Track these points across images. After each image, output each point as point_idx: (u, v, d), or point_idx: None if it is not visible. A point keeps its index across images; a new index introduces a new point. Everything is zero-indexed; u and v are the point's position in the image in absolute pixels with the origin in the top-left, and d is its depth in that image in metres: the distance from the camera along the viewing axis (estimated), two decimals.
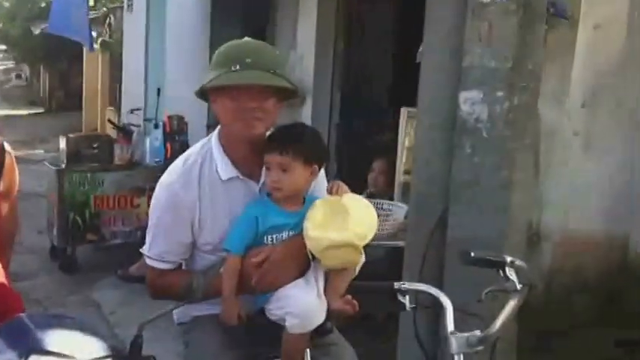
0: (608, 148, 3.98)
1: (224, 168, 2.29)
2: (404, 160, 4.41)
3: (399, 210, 4.16)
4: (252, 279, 2.21)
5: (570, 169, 3.96)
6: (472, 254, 2.05)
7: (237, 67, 2.18)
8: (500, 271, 2.02)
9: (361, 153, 5.85)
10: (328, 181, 2.44)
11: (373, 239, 4.01)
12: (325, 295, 2.27)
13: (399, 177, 4.48)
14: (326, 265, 2.25)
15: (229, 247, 2.24)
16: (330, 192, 2.31)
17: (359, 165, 5.51)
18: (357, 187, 5.39)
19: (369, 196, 4.78)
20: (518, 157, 2.98)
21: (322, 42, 5.89)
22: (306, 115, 6.00)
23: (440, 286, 3.08)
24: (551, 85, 3.80)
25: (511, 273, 2.00)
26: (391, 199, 4.56)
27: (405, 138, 4.38)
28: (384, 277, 2.39)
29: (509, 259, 2.03)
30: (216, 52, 2.30)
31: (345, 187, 2.33)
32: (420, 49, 3.27)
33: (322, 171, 2.41)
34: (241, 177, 2.30)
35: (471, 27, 2.88)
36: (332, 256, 2.20)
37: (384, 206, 4.35)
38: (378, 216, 4.13)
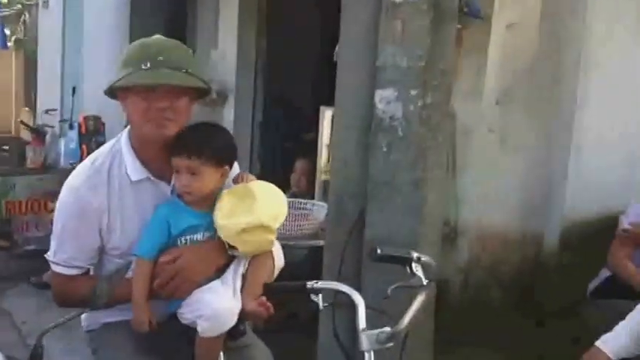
0: (522, 144, 4.09)
1: (134, 169, 2.23)
2: (324, 159, 4.42)
3: (319, 209, 4.16)
4: (164, 283, 2.16)
5: (486, 166, 4.05)
6: (378, 251, 2.07)
7: (148, 65, 2.13)
8: (407, 268, 2.03)
9: (285, 153, 5.84)
10: None
11: (294, 239, 4.03)
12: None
13: (320, 176, 4.48)
14: (244, 252, 2.23)
15: (139, 252, 2.18)
16: (236, 182, 2.29)
17: (282, 165, 5.50)
18: (280, 188, 5.38)
19: (292, 197, 4.78)
20: (432, 154, 3.02)
21: (244, 40, 5.84)
22: (228, 115, 5.94)
23: (358, 285, 3.11)
24: (467, 83, 3.88)
25: (417, 269, 2.01)
26: (313, 198, 4.56)
27: (325, 137, 4.38)
28: (307, 277, 2.38)
29: (415, 255, 2.04)
30: (126, 49, 2.24)
31: (251, 176, 2.31)
32: (337, 48, 3.28)
33: (236, 167, 2.39)
34: (152, 178, 2.25)
35: (384, 26, 2.90)
36: (246, 241, 2.18)
37: (306, 206, 4.35)
38: (300, 216, 4.17)
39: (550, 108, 4.09)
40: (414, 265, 2.02)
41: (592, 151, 4.12)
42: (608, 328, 2.96)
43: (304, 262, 4.24)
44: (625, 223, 3.73)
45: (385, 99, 2.93)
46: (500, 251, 4.18)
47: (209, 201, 2.24)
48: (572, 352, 3.52)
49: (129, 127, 2.28)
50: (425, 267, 2.03)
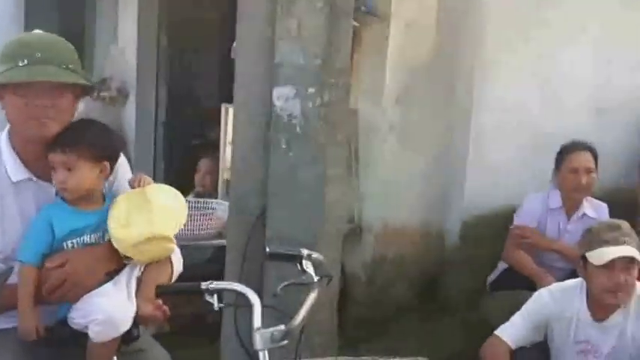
0: (423, 141, 4.15)
1: (14, 169, 2.15)
2: (227, 157, 4.38)
3: (224, 208, 4.12)
4: (53, 288, 2.08)
5: (388, 163, 4.10)
6: (267, 249, 2.06)
7: (25, 62, 2.05)
8: (298, 265, 2.03)
9: (189, 152, 5.75)
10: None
11: (199, 239, 3.97)
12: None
13: (223, 175, 4.44)
14: (140, 261, 2.17)
15: (23, 258, 2.09)
16: (132, 185, 2.23)
17: (187, 164, 5.41)
18: (186, 187, 5.30)
19: (197, 196, 4.72)
20: (331, 152, 3.04)
21: (144, 36, 5.72)
22: (130, 114, 5.82)
23: (261, 284, 3.10)
24: (367, 81, 3.92)
25: (308, 266, 2.01)
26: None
27: (228, 135, 4.34)
28: (214, 277, 2.35)
29: (305, 252, 2.04)
30: (4, 46, 2.14)
31: (148, 179, 2.25)
32: (234, 44, 3.25)
33: (126, 166, 2.33)
34: (34, 179, 2.17)
35: (280, 24, 2.89)
36: (143, 252, 2.14)
37: (211, 205, 4.30)
38: (204, 215, 4.11)
39: (449, 105, 4.17)
40: (304, 262, 2.02)
41: (490, 146, 4.22)
42: (507, 318, 3.06)
43: (210, 262, 4.19)
44: (516, 220, 3.85)
45: (283, 96, 2.92)
46: (404, 246, 4.24)
47: (95, 199, 2.17)
48: (474, 342, 3.62)
49: (8, 126, 2.18)
50: (316, 264, 2.03)
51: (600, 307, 2.94)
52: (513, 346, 2.97)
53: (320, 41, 2.85)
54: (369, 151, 4.05)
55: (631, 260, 2.83)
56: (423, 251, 4.30)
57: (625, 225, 2.97)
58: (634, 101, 4.61)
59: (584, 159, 3.79)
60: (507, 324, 3.03)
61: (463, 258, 4.25)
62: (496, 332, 3.02)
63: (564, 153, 3.84)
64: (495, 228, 4.06)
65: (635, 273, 2.87)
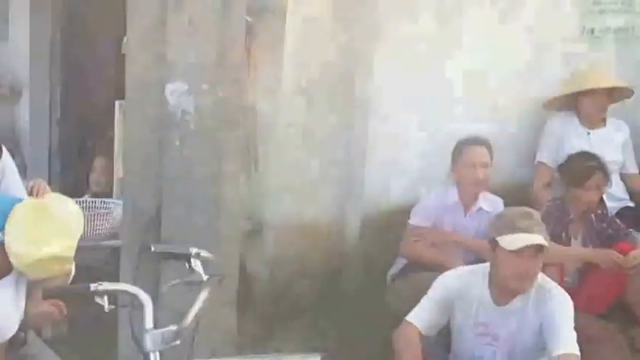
0: (323, 137, 4.15)
1: None
2: (121, 155, 4.27)
3: (118, 208, 4.02)
4: None
5: (288, 159, 4.08)
6: (152, 248, 2.02)
7: None
8: (186, 264, 2.00)
9: (85, 150, 5.58)
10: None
11: (95, 239, 3.86)
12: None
13: (117, 173, 4.33)
14: (33, 278, 2.09)
15: None
16: (30, 193, 2.14)
17: (83, 163, 5.26)
18: (81, 187, 5.13)
19: (94, 196, 4.59)
20: (228, 148, 3.01)
21: (37, 32, 5.51)
22: (23, 112, 5.60)
23: (157, 284, 3.03)
24: (266, 77, 3.88)
25: (197, 264, 1.98)
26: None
27: (122, 133, 4.23)
28: (111, 278, 2.28)
29: (193, 250, 2.01)
30: None
31: (46, 187, 2.18)
32: (125, 40, 3.17)
33: (12, 166, 2.24)
34: None
35: (172, 19, 2.84)
36: (38, 270, 2.05)
37: (108, 205, 4.20)
38: (100, 216, 4.00)
39: (348, 101, 4.19)
40: (193, 261, 1.98)
41: (390, 140, 4.26)
42: (410, 306, 3.11)
43: (107, 263, 4.08)
44: (412, 218, 3.92)
45: (176, 93, 2.88)
46: (305, 243, 4.23)
47: None
48: (376, 335, 3.65)
49: None
50: (205, 262, 2.00)
51: (503, 292, 3.02)
52: (423, 330, 3.04)
53: (213, 37, 2.82)
54: (269, 147, 4.02)
55: (539, 249, 2.94)
56: (325, 248, 4.30)
57: (536, 214, 3.10)
58: (528, 98, 4.75)
59: (481, 153, 3.89)
60: (416, 308, 3.08)
61: (364, 253, 4.28)
62: (406, 318, 3.06)
63: (461, 148, 3.92)
64: (395, 223, 4.11)
65: (541, 262, 2.99)
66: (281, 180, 4.08)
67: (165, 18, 2.88)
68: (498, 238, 2.96)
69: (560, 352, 2.84)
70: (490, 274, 3.05)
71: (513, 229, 2.93)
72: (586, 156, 4.01)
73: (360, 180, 4.21)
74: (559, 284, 3.62)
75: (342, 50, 4.05)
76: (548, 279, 3.11)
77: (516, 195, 4.46)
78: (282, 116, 3.97)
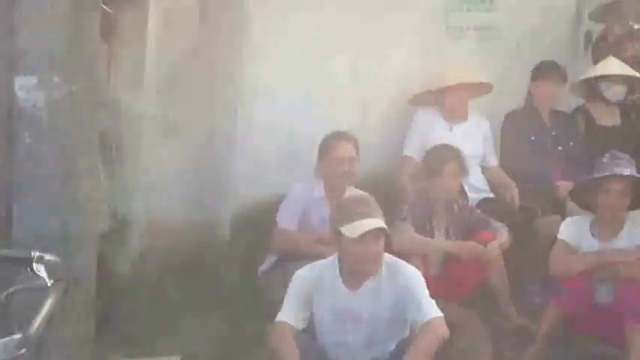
0: (188, 132, 4.08)
1: None
2: None
3: None
4: None
5: (153, 154, 3.98)
6: None
7: None
8: (28, 269, 1.87)
9: None
10: None
11: None
12: None
13: None
14: None
15: None
16: None
17: None
18: None
19: None
20: (84, 145, 2.87)
21: None
22: None
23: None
24: (127, 70, 3.76)
25: (40, 269, 1.85)
26: None
27: None
28: None
29: (36, 254, 1.88)
30: None
31: None
32: None
33: None
34: None
35: (21, 9, 2.67)
36: None
37: None
38: None
39: (215, 93, 4.13)
40: (35, 265, 1.85)
41: (258, 135, 4.24)
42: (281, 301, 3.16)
43: None
44: (278, 216, 3.90)
45: (26, 87, 2.71)
46: (173, 240, 4.14)
47: None
48: (246, 334, 3.62)
49: None
50: (49, 267, 1.88)
51: (354, 277, 3.15)
52: (295, 325, 3.10)
53: (65, 28, 2.67)
54: (133, 142, 3.90)
55: (380, 231, 3.06)
56: (194, 244, 4.23)
57: (372, 199, 3.23)
58: (395, 94, 4.84)
59: (347, 148, 3.93)
60: (283, 307, 3.15)
61: (235, 249, 4.24)
62: (276, 319, 3.11)
63: (327, 143, 3.95)
64: (266, 217, 4.08)
65: (383, 242, 3.11)
66: (146, 175, 3.97)
67: (11, 5, 2.70)
68: (341, 228, 3.06)
69: (425, 319, 3.00)
70: (340, 262, 3.14)
71: (353, 217, 3.04)
72: (443, 147, 4.14)
73: (230, 174, 4.17)
74: (424, 274, 3.77)
75: (208, 41, 3.97)
76: (395, 257, 3.23)
77: (383, 188, 4.55)
78: (145, 110, 3.86)
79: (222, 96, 4.11)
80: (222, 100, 4.11)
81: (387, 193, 4.40)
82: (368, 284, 3.14)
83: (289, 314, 3.11)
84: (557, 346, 3.77)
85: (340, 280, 3.16)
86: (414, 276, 3.15)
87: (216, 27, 3.96)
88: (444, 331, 2.99)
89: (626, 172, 3.69)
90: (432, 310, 3.03)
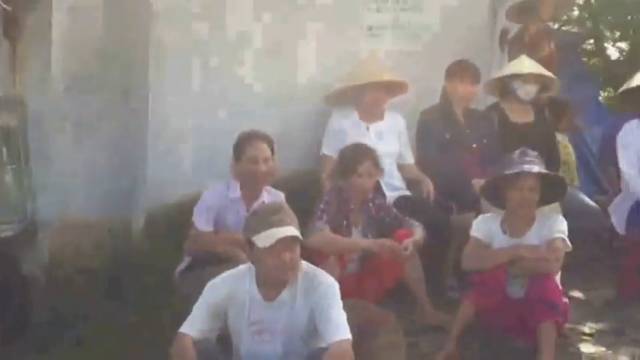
0: (99, 132, 3.99)
1: None
2: None
3: None
4: None
5: (63, 154, 3.89)
6: None
7: None
8: None
9: None
10: None
11: None
12: None
13: None
14: None
15: None
16: None
17: None
18: None
19: None
20: None
21: None
22: None
23: None
24: (33, 70, 3.65)
25: None
26: None
27: None
28: None
29: None
30: None
31: None
32: None
33: None
34: None
35: None
36: None
37: None
38: None
39: (126, 92, 4.04)
40: None
41: (171, 135, 4.16)
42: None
43: None
44: (194, 216, 3.85)
45: None
46: (86, 242, 4.05)
47: None
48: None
49: None
50: None
51: (269, 287, 3.06)
52: (198, 336, 2.99)
53: None
54: (41, 142, 3.79)
55: (294, 239, 2.99)
56: (107, 246, 4.14)
57: (285, 206, 3.16)
58: (315, 92, 4.84)
59: (262, 148, 3.88)
60: (190, 317, 3.05)
61: (150, 250, 4.17)
62: (179, 330, 3.01)
63: (242, 143, 3.89)
64: (181, 217, 4.01)
65: (298, 250, 3.03)
66: (56, 175, 3.87)
67: None
68: (253, 238, 2.99)
69: (334, 339, 2.91)
70: (255, 272, 3.08)
71: (265, 225, 2.98)
72: (357, 146, 4.16)
73: (143, 174, 4.09)
74: (339, 273, 3.77)
75: (116, 39, 3.88)
76: (313, 266, 3.17)
77: (303, 188, 4.55)
78: (53, 110, 3.75)
79: (135, 94, 4.02)
80: (133, 99, 4.03)
81: (306, 193, 4.41)
82: (284, 295, 3.06)
83: (194, 326, 3.01)
84: (472, 340, 3.84)
85: (256, 290, 3.07)
86: (329, 289, 3.05)
87: (122, 25, 3.87)
88: (349, 355, 2.90)
89: (535, 169, 3.76)
90: (341, 330, 2.94)
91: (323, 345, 2.94)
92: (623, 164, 4.58)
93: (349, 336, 2.94)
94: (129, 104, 4.03)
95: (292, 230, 2.98)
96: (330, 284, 3.08)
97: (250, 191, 3.90)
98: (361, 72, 4.69)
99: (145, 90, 4.03)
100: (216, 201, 3.86)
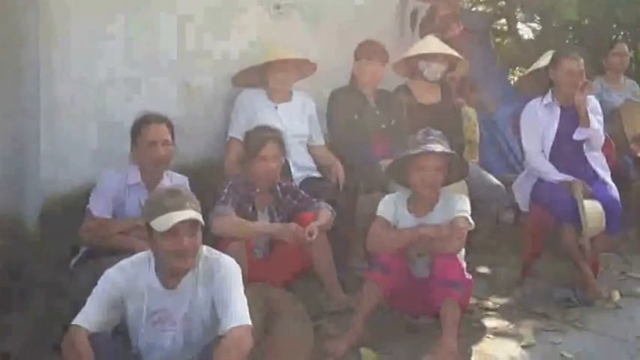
0: None
1: None
2: None
3: None
4: None
5: None
6: None
7: None
8: None
9: None
10: None
11: None
12: None
13: None
14: None
15: None
16: None
17: None
18: None
19: None
20: None
21: None
22: None
23: None
24: None
25: None
26: None
27: None
28: None
29: None
30: None
31: None
32: None
33: None
34: None
35: None
36: None
37: None
38: None
39: (15, 77, 3.84)
40: None
41: (64, 122, 3.95)
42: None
43: None
44: (90, 202, 3.71)
45: None
46: None
47: None
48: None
49: None
50: None
51: (169, 275, 2.97)
52: (93, 329, 2.87)
53: None
54: None
55: (194, 224, 2.89)
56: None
57: (185, 190, 3.05)
58: (220, 78, 4.74)
59: (161, 131, 3.76)
60: (84, 309, 2.92)
61: (45, 242, 3.96)
62: (73, 321, 2.89)
63: (139, 126, 3.76)
64: (77, 207, 3.82)
65: (200, 235, 2.94)
66: None
67: None
68: (151, 223, 2.89)
69: (232, 324, 2.84)
70: (155, 259, 2.98)
71: (163, 209, 2.88)
72: (263, 128, 4.09)
73: (36, 163, 3.89)
74: (246, 258, 3.71)
75: (4, 20, 3.68)
76: (215, 251, 3.09)
77: (210, 171, 4.46)
78: None
79: (25, 79, 3.83)
80: (24, 83, 3.84)
81: (213, 177, 4.32)
82: (185, 282, 2.96)
83: (88, 318, 2.87)
84: (379, 321, 3.85)
85: (156, 279, 2.96)
86: (228, 274, 2.97)
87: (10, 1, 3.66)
88: (247, 342, 2.83)
89: (439, 148, 3.77)
90: (240, 316, 2.87)
91: (221, 333, 2.89)
92: (526, 142, 4.66)
93: (248, 322, 2.88)
94: (19, 90, 3.82)
95: (192, 214, 2.89)
96: (229, 269, 3.01)
97: (151, 176, 3.78)
98: (269, 51, 4.62)
99: (34, 75, 3.82)
100: (115, 186, 3.72)
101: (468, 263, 3.89)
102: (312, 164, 4.67)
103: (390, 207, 3.89)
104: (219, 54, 4.70)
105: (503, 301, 4.32)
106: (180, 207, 2.88)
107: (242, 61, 4.72)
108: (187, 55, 4.53)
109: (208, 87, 4.69)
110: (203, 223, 2.96)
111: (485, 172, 4.88)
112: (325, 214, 4.00)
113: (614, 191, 4.45)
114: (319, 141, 4.78)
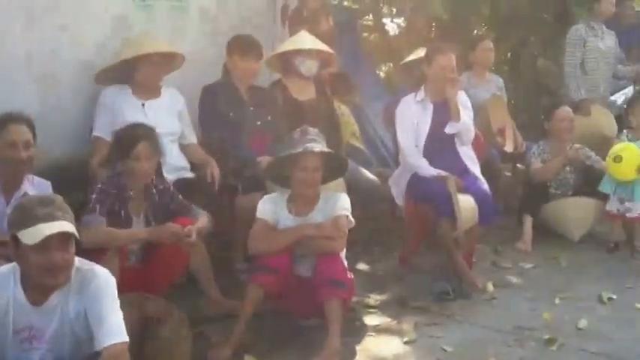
0: None
1: None
2: None
3: None
4: None
5: None
6: None
7: None
8: None
9: None
10: None
11: None
12: None
13: None
14: None
15: None
16: None
17: None
18: None
19: None
20: None
21: None
22: None
23: None
24: None
25: None
26: None
27: None
28: None
29: None
30: None
31: None
32: None
33: None
34: None
35: None
36: None
37: None
38: None
39: None
40: None
41: None
42: None
43: None
44: None
45: None
46: None
47: None
48: None
49: None
50: None
51: (38, 290, 2.69)
52: None
53: None
54: None
55: (67, 237, 2.63)
56: None
57: (59, 199, 2.75)
58: (83, 71, 4.45)
59: (21, 131, 3.43)
60: None
61: None
62: None
63: None
64: None
65: (73, 249, 2.68)
66: None
67: None
68: (19, 234, 2.60)
69: (106, 343, 2.64)
70: (21, 273, 2.71)
71: (33, 220, 2.60)
72: (132, 126, 3.84)
73: None
74: (118, 266, 3.48)
75: None
76: (87, 261, 2.83)
77: (75, 173, 4.17)
78: None
79: None
80: None
81: (79, 179, 4.04)
82: (54, 298, 2.70)
83: None
84: (265, 325, 3.75)
85: (21, 293, 2.68)
86: (100, 288, 2.73)
87: None
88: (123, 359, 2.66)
89: (317, 148, 3.72)
90: (114, 332, 2.66)
91: (97, 349, 2.67)
92: (401, 138, 4.70)
93: (124, 338, 2.68)
94: None
95: (65, 226, 2.61)
96: (101, 282, 2.75)
97: (9, 180, 3.46)
98: (135, 44, 4.37)
99: None
100: None
101: (347, 260, 3.86)
102: (184, 164, 4.48)
103: (270, 207, 3.80)
104: (79, 45, 4.42)
105: (383, 297, 4.33)
106: (51, 218, 2.61)
107: (104, 52, 4.45)
108: (44, 47, 4.21)
109: (69, 80, 4.39)
110: (78, 235, 2.70)
111: (360, 168, 4.89)
112: (203, 219, 3.84)
113: (485, 185, 4.57)
114: (192, 139, 4.59)
